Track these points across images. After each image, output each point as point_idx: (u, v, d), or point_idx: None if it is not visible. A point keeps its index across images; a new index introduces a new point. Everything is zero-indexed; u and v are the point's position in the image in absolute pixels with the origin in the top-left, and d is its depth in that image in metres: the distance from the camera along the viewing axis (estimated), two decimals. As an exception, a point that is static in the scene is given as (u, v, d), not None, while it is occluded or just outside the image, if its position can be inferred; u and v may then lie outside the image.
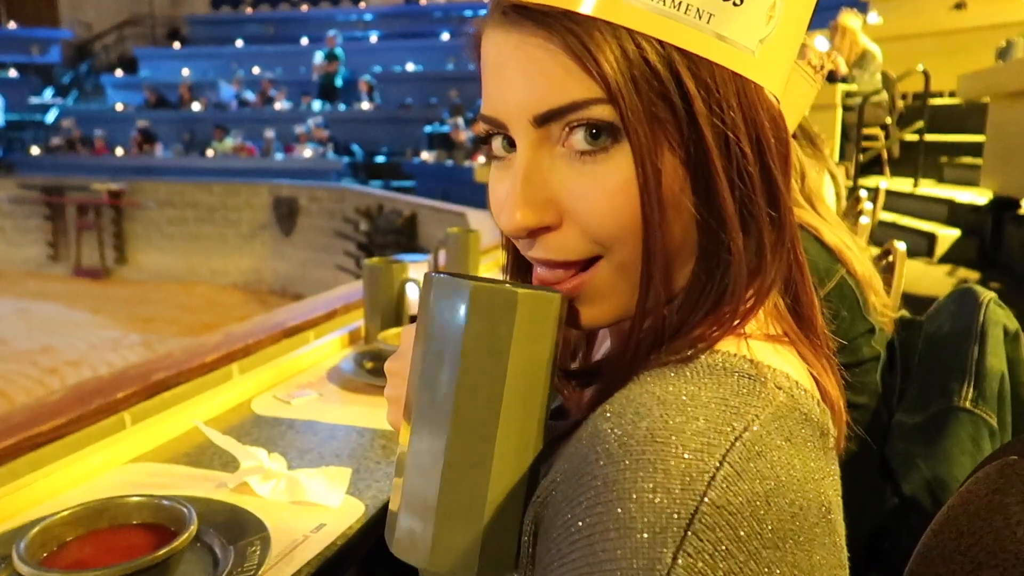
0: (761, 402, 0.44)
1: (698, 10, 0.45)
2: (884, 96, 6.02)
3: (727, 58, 0.45)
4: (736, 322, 0.48)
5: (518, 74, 0.47)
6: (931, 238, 4.24)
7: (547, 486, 0.47)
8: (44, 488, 1.01)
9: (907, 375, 1.13)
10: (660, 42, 0.44)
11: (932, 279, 3.75)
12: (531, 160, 0.48)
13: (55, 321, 8.25)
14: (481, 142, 0.53)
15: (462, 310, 0.43)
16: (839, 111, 5.86)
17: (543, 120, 0.47)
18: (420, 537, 0.44)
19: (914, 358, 1.12)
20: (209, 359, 1.47)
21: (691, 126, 0.45)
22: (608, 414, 0.45)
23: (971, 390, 0.95)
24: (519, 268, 0.59)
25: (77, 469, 1.06)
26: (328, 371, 1.52)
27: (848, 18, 6.17)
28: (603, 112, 0.45)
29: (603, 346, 0.64)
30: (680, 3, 0.44)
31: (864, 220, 2.17)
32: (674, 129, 0.45)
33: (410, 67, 13.75)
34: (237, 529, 0.86)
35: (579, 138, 0.46)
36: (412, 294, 1.65)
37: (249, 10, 16.95)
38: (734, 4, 0.45)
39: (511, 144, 0.50)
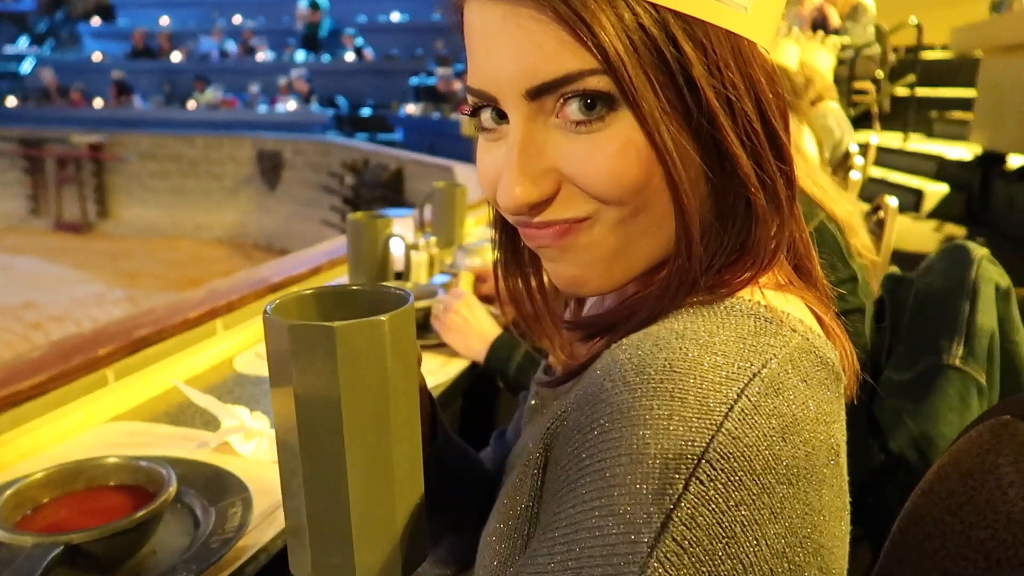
0: (779, 342, 0.44)
1: None
2: (876, 49, 5.96)
3: (721, 17, 0.44)
4: (758, 270, 0.48)
5: (508, 46, 0.45)
6: (919, 194, 4.23)
7: (559, 415, 0.48)
8: (25, 445, 1.00)
9: (896, 332, 1.12)
10: (654, 5, 0.43)
11: (919, 234, 3.76)
12: (526, 134, 0.47)
13: (37, 276, 8.16)
14: (469, 115, 0.51)
15: (287, 346, 0.43)
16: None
17: (536, 94, 0.46)
18: (301, 556, 0.46)
19: (904, 315, 1.11)
20: (192, 315, 1.44)
21: (691, 90, 0.44)
22: (624, 345, 0.45)
23: (961, 347, 0.95)
24: (507, 236, 0.59)
25: (58, 426, 1.05)
26: (312, 328, 1.49)
27: (842, -32, 6.06)
28: (599, 83, 0.44)
29: (598, 303, 0.63)
30: None
31: (855, 175, 2.15)
32: (673, 93, 0.44)
33: (395, 17, 13.43)
34: (218, 490, 0.84)
35: (574, 109, 0.45)
36: (396, 250, 1.63)
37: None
38: None
39: (501, 115, 0.49)
